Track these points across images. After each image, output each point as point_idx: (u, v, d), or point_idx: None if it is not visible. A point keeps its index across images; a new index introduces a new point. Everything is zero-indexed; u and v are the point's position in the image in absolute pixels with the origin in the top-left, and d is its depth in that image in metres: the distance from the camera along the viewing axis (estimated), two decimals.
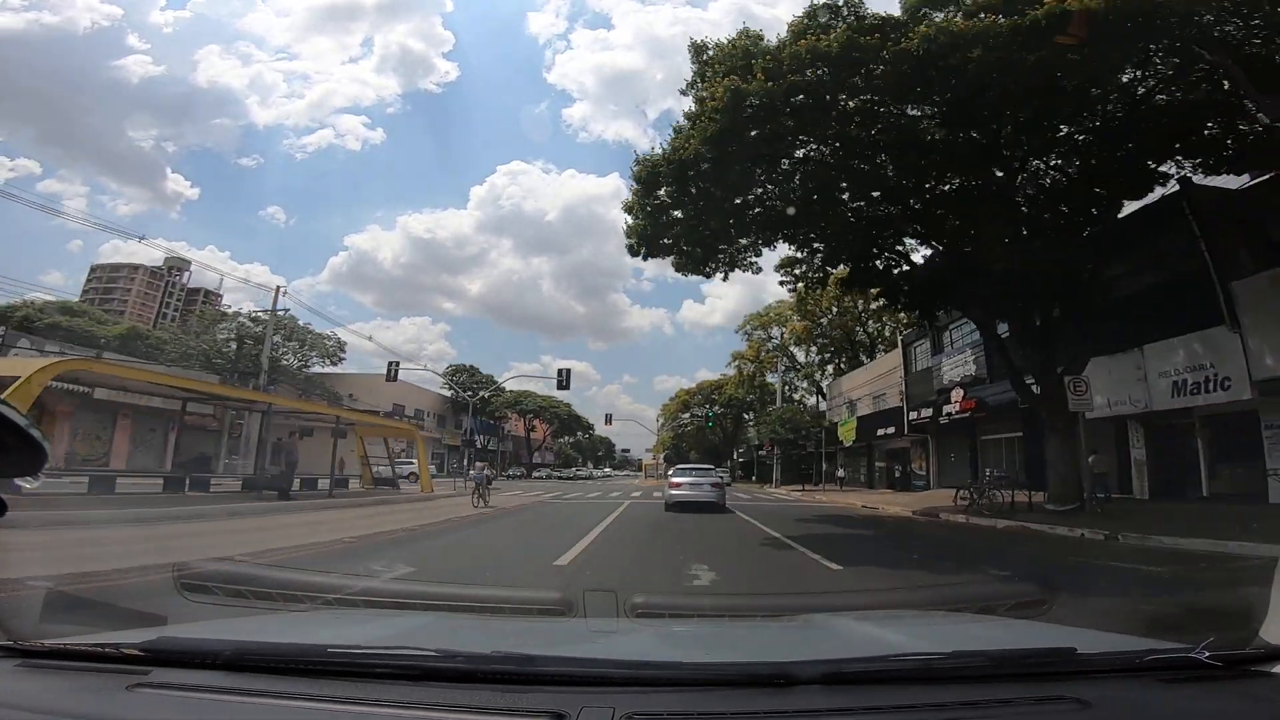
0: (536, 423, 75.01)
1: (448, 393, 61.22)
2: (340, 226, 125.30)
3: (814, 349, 47.54)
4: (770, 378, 52.17)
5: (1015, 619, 2.47)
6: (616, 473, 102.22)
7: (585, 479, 65.15)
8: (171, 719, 1.24)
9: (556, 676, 1.31)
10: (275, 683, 1.29)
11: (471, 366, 63.08)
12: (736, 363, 53.40)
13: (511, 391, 66.52)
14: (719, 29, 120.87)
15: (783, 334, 49.44)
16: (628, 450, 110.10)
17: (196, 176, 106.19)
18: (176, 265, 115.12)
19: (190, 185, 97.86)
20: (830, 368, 49.30)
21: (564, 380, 31.28)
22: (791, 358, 48.16)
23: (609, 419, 60.87)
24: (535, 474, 63.12)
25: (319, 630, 2.03)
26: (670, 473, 19.39)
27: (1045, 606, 2.61)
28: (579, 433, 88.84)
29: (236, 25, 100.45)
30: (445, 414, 60.61)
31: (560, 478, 61.23)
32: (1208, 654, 1.28)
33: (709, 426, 63.06)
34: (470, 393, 60.45)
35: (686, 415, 70.38)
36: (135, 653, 1.41)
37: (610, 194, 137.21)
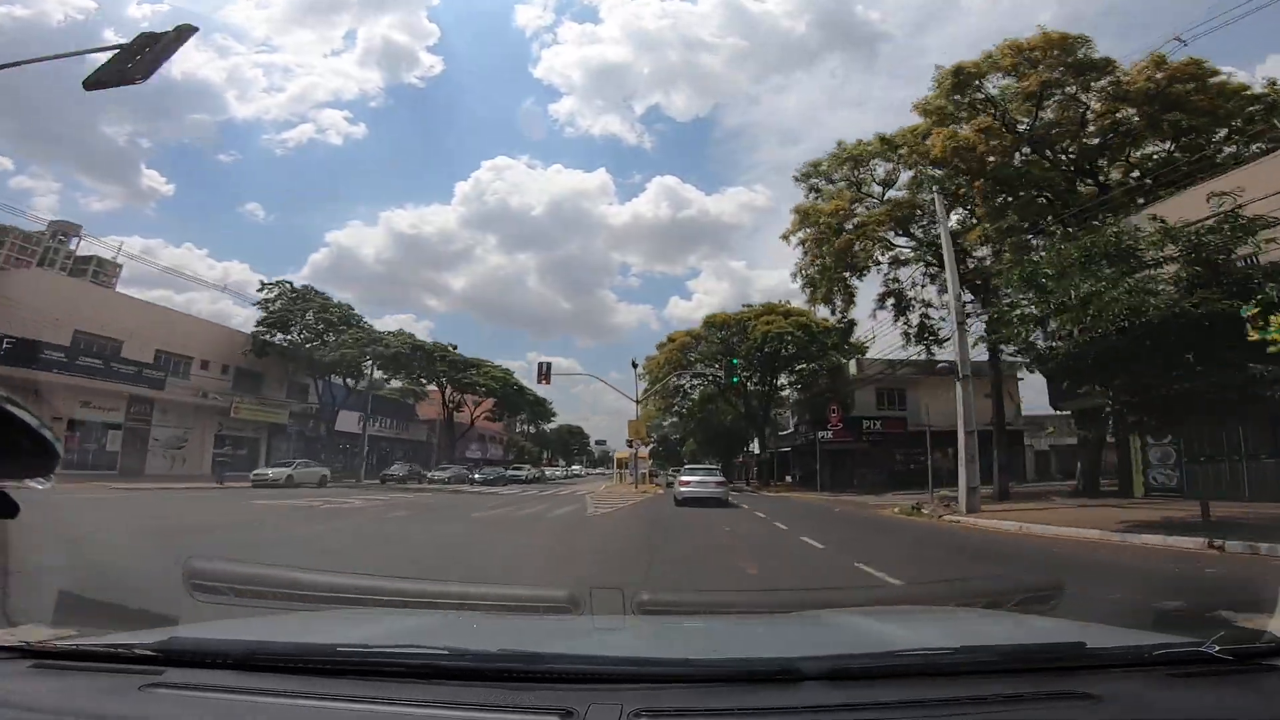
0: (466, 398, 47.94)
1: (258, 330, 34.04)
2: (321, 223, 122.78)
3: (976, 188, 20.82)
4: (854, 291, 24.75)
5: (1023, 614, 2.45)
6: (591, 471, 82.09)
7: (530, 482, 40.02)
8: (185, 719, 1.24)
9: (564, 674, 1.30)
10: (286, 682, 1.30)
11: (310, 289, 35.91)
12: (798, 234, 23.79)
13: (384, 330, 39.50)
14: (708, 22, 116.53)
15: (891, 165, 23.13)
16: (604, 442, 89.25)
17: (172, 173, 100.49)
18: (62, 230, 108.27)
19: (166, 182, 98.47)
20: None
21: None
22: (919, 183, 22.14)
23: (544, 373, 31.30)
24: (438, 472, 36.10)
25: (329, 629, 2.01)
26: (678, 472, 25.12)
27: (1053, 601, 2.63)
28: (527, 415, 62.48)
29: (215, 17, 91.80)
30: (261, 370, 33.68)
31: (481, 482, 35.10)
32: (1218, 648, 1.26)
33: (733, 382, 36.25)
34: (288, 334, 33.54)
35: (686, 380, 43.10)
36: (148, 653, 1.40)
37: (597, 189, 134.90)
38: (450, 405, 48.02)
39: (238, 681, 1.30)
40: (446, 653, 1.39)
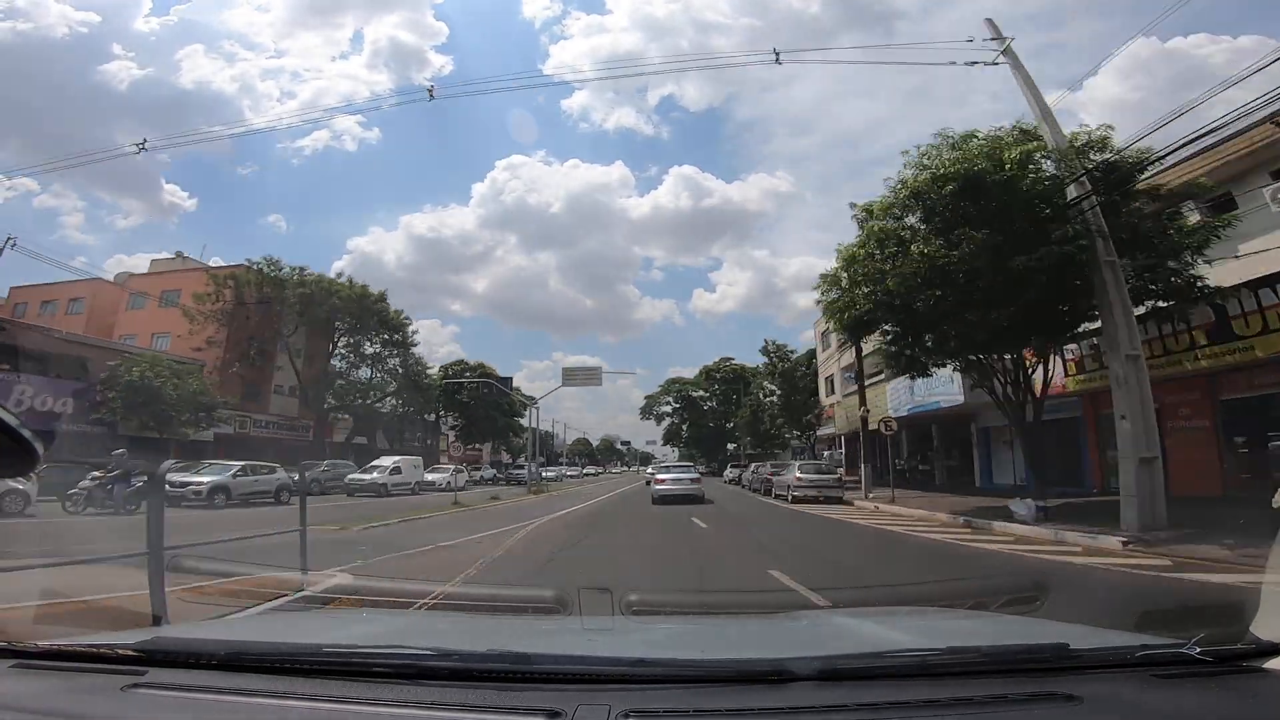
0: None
1: None
2: (341, 230, 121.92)
3: None
4: None
5: (1009, 615, 2.54)
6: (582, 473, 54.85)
7: None
8: (167, 719, 1.23)
9: (552, 675, 1.29)
10: (271, 682, 1.29)
11: None
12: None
13: None
14: (719, 2, 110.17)
15: None
16: (628, 443, 75.17)
17: (193, 186, 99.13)
18: None
19: (188, 196, 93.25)
20: None
21: None
22: None
23: None
24: None
25: (314, 629, 2.07)
26: (652, 470, 24.19)
27: (1038, 603, 2.71)
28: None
29: (222, 25, 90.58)
30: None
31: None
32: (1199, 650, 1.28)
33: None
34: None
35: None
36: (131, 653, 1.40)
37: (615, 182, 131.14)
38: None
39: (221, 682, 1.29)
40: (433, 653, 1.39)
